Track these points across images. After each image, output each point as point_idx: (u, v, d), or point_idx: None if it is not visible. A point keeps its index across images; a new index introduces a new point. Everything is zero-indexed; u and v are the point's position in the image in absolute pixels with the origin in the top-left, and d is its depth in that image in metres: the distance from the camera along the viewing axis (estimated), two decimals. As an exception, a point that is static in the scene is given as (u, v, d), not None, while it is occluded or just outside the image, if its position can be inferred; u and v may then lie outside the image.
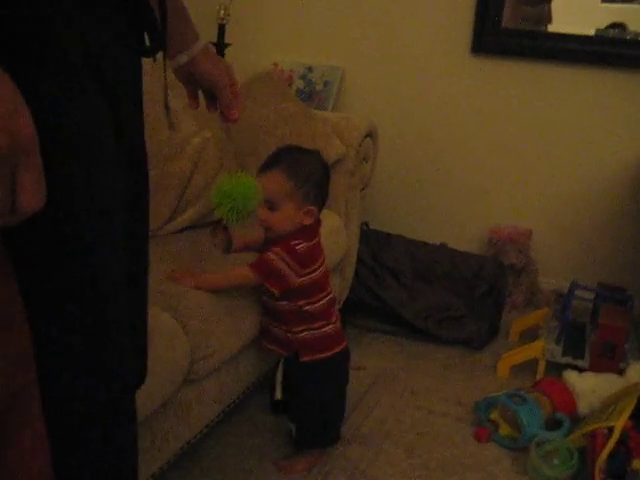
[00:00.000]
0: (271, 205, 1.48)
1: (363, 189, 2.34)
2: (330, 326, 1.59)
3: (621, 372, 1.96)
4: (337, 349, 1.61)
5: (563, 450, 1.63)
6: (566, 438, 1.68)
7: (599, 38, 2.51)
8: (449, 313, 2.32)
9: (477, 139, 2.68)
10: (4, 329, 0.67)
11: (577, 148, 2.56)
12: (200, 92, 1.05)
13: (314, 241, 1.55)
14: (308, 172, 1.51)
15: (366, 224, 2.58)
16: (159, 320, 1.33)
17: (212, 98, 1.04)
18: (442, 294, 2.36)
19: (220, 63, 1.01)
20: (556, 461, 1.62)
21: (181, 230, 1.86)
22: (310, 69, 2.94)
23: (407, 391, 2.02)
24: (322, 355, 1.58)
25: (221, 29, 2.77)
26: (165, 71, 0.91)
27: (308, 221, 1.53)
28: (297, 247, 1.50)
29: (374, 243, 2.46)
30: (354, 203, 2.23)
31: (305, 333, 1.56)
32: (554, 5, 2.58)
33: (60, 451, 0.75)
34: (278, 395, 1.62)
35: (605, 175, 2.55)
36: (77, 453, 0.78)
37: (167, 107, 1.05)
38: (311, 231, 1.55)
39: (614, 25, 2.51)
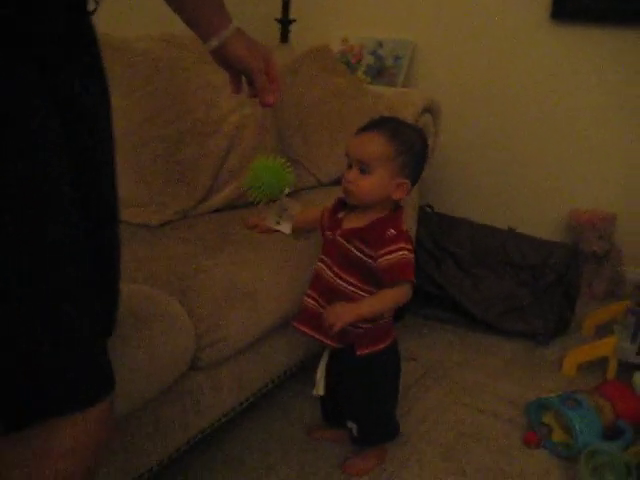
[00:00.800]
0: (363, 168, 1.37)
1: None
2: (390, 314, 1.47)
3: None
4: (391, 337, 1.49)
5: (619, 464, 1.42)
6: (625, 451, 1.47)
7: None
8: (513, 303, 2.13)
9: (554, 115, 2.45)
10: None
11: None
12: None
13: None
14: (409, 142, 1.39)
15: (430, 206, 2.42)
16: (162, 303, 1.28)
17: (251, 82, 1.03)
18: (506, 283, 2.16)
19: (255, 47, 1.00)
20: (610, 477, 1.42)
21: (215, 211, 1.79)
22: (380, 44, 2.79)
23: (457, 387, 1.86)
24: (379, 346, 1.46)
25: (285, 4, 2.68)
26: None
27: (398, 195, 1.40)
28: (409, 232, 1.46)
29: (436, 227, 2.30)
30: (409, 183, 2.08)
31: (368, 325, 1.43)
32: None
33: None
34: (320, 391, 1.49)
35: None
36: None
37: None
38: (401, 212, 1.44)
39: None
